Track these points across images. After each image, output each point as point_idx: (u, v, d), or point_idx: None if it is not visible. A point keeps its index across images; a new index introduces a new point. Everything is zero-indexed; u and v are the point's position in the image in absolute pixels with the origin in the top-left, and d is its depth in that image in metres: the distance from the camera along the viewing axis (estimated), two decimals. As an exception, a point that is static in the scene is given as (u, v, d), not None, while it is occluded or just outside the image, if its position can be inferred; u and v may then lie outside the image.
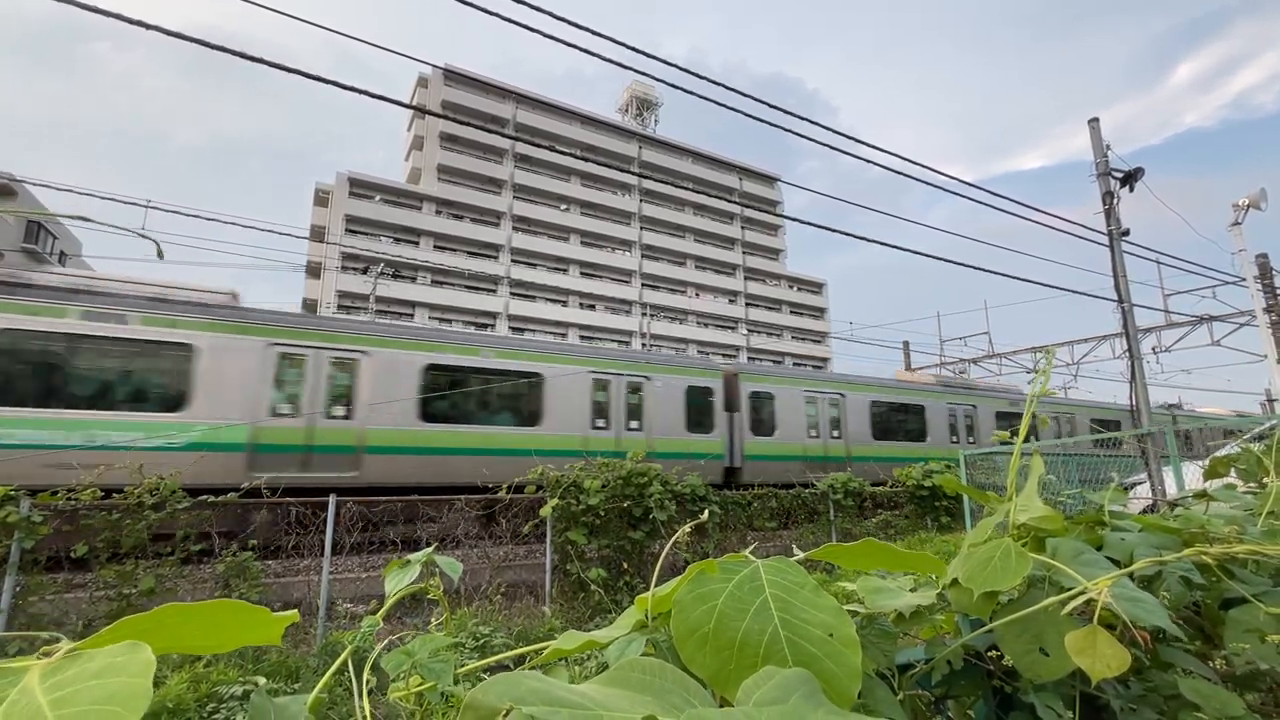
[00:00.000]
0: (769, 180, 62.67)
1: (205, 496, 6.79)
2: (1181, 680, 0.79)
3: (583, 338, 46.64)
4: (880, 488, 12.15)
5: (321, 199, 44.79)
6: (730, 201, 13.80)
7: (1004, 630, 0.77)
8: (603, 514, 8.14)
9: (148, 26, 5.80)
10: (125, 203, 10.22)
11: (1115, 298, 11.32)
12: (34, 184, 18.30)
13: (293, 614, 0.54)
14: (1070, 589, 0.74)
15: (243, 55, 6.34)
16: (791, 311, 61.02)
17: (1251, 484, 1.41)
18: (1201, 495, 1.26)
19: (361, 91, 6.96)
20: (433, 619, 1.04)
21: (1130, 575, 0.82)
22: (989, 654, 0.87)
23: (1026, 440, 0.99)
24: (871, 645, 0.78)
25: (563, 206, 51.44)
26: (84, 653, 0.37)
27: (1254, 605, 0.87)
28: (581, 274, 50.79)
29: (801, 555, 0.75)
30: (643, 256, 53.82)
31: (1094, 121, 11.55)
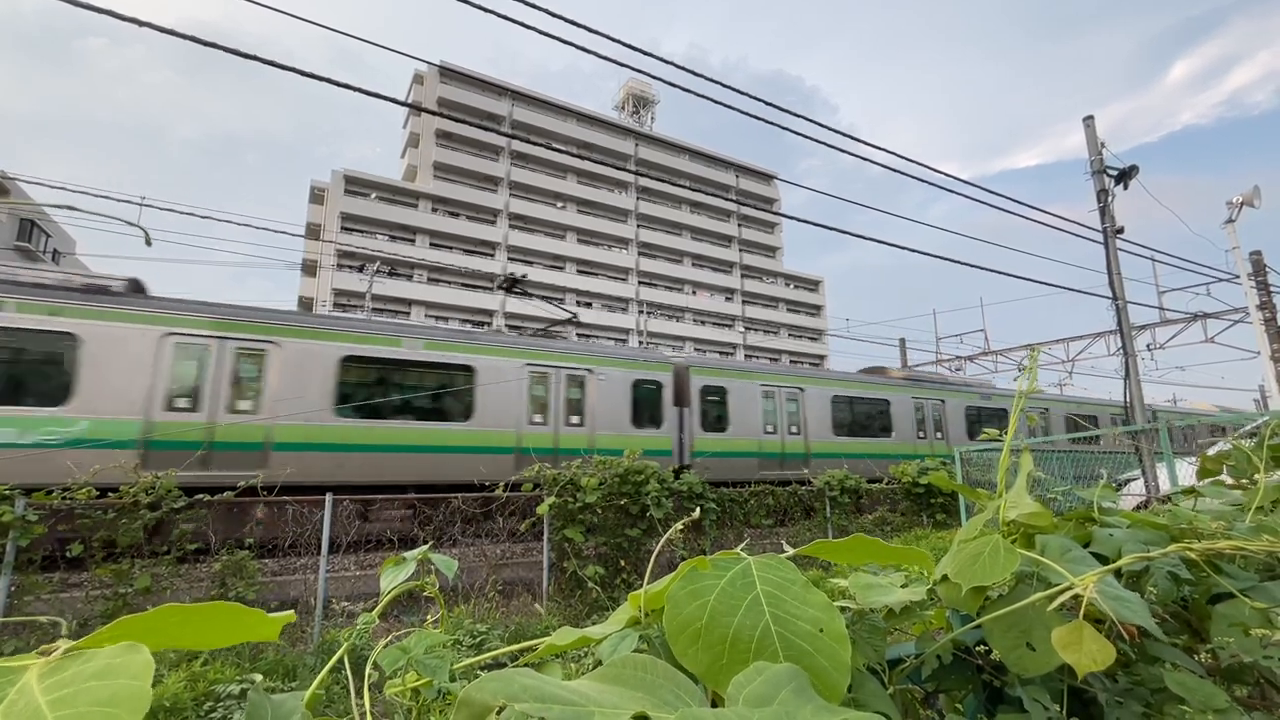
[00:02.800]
0: (766, 178, 62.66)
1: (201, 495, 6.78)
2: (1168, 674, 0.80)
3: (580, 335, 46.62)
4: (876, 484, 12.19)
5: (317, 196, 44.60)
6: (727, 199, 13.84)
7: (992, 625, 0.79)
8: (600, 512, 8.15)
9: (140, 23, 5.77)
10: (120, 200, 10.16)
11: (1110, 295, 11.37)
12: (27, 181, 18.17)
13: (289, 614, 0.54)
14: (1058, 585, 0.75)
15: (236, 52, 6.31)
16: (788, 309, 61.08)
17: (1243, 480, 1.43)
18: (1190, 492, 1.28)
19: (356, 89, 6.93)
20: (429, 616, 1.04)
21: (1117, 571, 0.83)
22: (978, 649, 0.88)
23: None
24: (863, 641, 0.79)
25: (559, 204, 51.35)
26: (83, 652, 0.38)
27: (1240, 600, 0.88)
28: (578, 272, 50.74)
29: (791, 551, 0.76)
30: (639, 254, 53.78)
31: (1089, 119, 11.59)
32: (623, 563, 8.14)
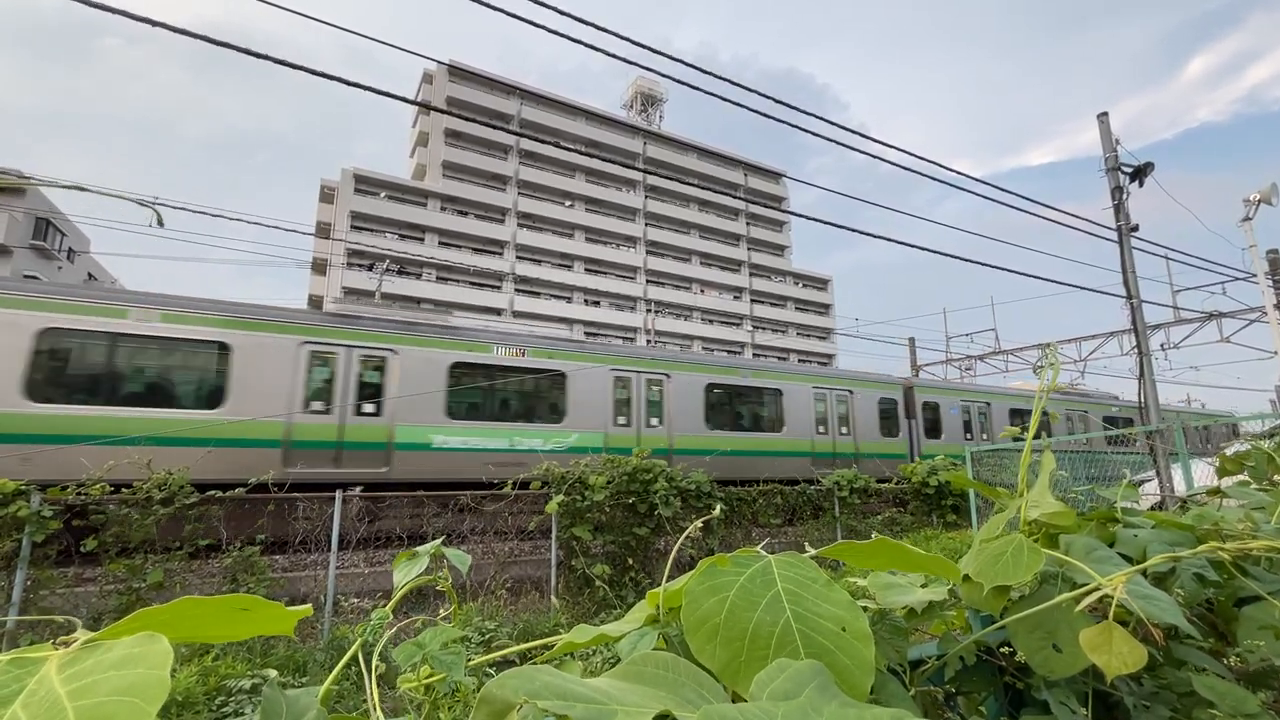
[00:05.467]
0: (774, 176, 62.43)
1: (213, 491, 6.84)
2: (1196, 677, 0.79)
3: (587, 334, 46.68)
4: (886, 484, 12.13)
5: (327, 195, 44.88)
6: (735, 197, 13.79)
7: (1016, 626, 0.77)
8: (608, 510, 8.15)
9: (154, 23, 5.82)
10: (132, 199, 10.20)
11: (1124, 294, 11.24)
12: (40, 179, 18.37)
13: (306, 608, 0.54)
14: (1084, 585, 0.74)
15: (247, 51, 6.34)
16: (797, 308, 60.85)
17: (1264, 482, 1.40)
18: (1215, 492, 1.25)
19: (366, 88, 6.96)
20: (441, 611, 1.04)
21: (1144, 572, 0.81)
22: (1001, 650, 0.87)
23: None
24: (883, 641, 0.78)
25: (567, 203, 51.40)
26: (102, 643, 0.37)
27: (1269, 603, 0.86)
28: (586, 270, 50.78)
29: (813, 552, 0.75)
30: (647, 253, 53.74)
31: (1103, 116, 11.46)
32: (630, 561, 8.15)
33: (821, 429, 16.12)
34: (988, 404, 20.48)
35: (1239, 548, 0.79)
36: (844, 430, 16.55)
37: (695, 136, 58.82)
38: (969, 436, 19.33)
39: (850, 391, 17.00)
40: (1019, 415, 20.88)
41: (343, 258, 39.14)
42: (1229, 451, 1.49)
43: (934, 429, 18.63)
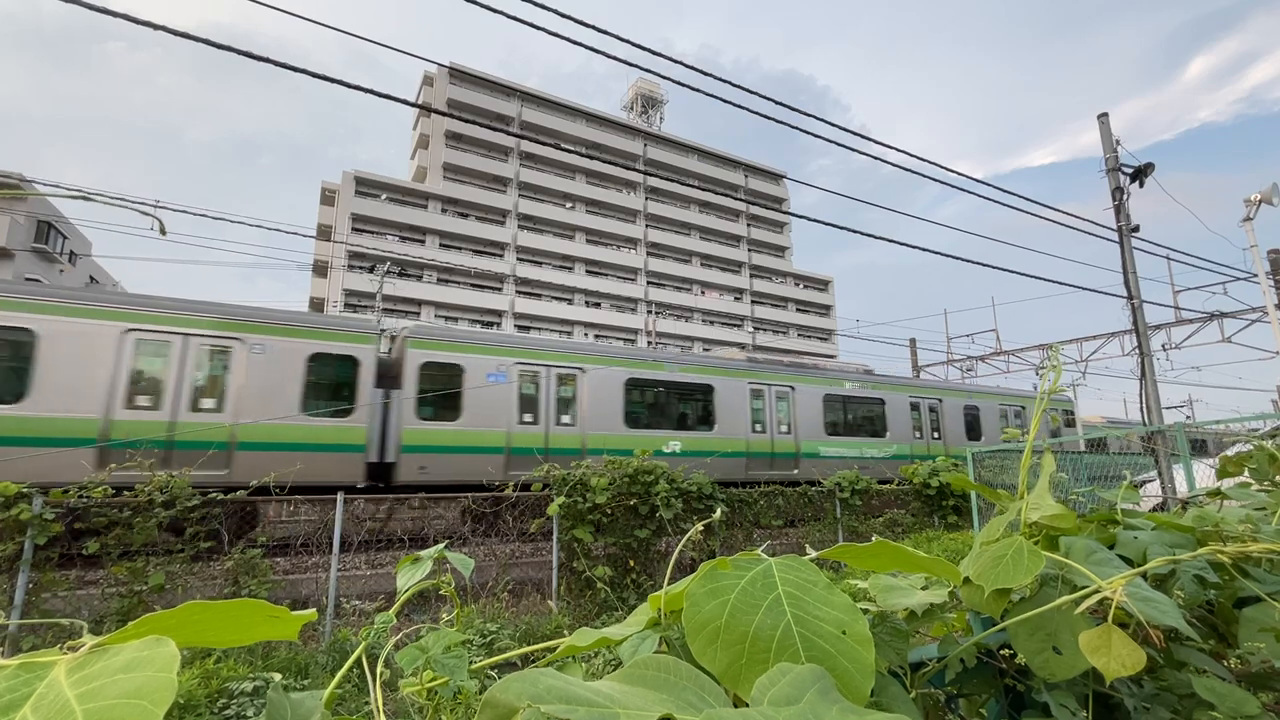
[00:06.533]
0: (775, 177, 62.47)
1: (214, 494, 6.85)
2: (1196, 679, 0.79)
3: (596, 336, 46.71)
4: (887, 485, 12.12)
5: (328, 198, 44.95)
6: (736, 199, 13.81)
7: (1017, 629, 0.77)
8: (609, 512, 8.15)
9: (155, 27, 5.84)
10: (134, 202, 10.22)
11: (1125, 294, 11.24)
12: (44, 184, 18.39)
13: (311, 613, 0.54)
14: (1084, 588, 0.74)
15: (247, 54, 6.36)
16: (798, 309, 60.85)
17: (1265, 483, 1.40)
18: (1215, 493, 1.25)
19: (367, 90, 6.97)
20: (443, 615, 1.04)
21: (1144, 574, 0.81)
22: (1001, 652, 0.87)
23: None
24: (884, 643, 0.78)
25: (568, 204, 51.44)
26: (109, 648, 0.38)
27: (1269, 604, 0.87)
28: (587, 272, 50.81)
29: (814, 554, 0.75)
30: (648, 254, 53.77)
31: (1103, 117, 11.46)
32: (631, 563, 8.15)
33: (145, 400, 9.70)
34: (580, 369, 13.47)
35: (1239, 549, 0.79)
36: (207, 402, 10.12)
37: (696, 138, 58.93)
38: (530, 419, 12.68)
39: (236, 339, 10.40)
40: (638, 388, 14.25)
41: (344, 260, 39.19)
42: (1230, 452, 1.49)
43: (445, 406, 11.97)
